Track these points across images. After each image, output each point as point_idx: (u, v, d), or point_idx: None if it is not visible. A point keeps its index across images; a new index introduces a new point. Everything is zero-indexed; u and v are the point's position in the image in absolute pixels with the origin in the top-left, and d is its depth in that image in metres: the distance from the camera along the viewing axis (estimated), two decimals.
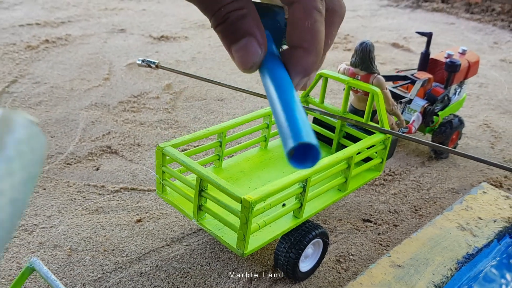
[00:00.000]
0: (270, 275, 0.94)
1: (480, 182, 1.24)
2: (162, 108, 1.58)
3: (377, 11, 2.85)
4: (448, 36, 2.45)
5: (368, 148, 1.01)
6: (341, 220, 1.12)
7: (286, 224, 0.87)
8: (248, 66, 0.25)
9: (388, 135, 1.02)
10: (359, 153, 0.98)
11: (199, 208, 0.84)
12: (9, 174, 0.15)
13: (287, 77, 0.24)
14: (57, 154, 1.30)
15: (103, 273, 0.91)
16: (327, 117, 1.12)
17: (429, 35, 1.34)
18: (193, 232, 1.04)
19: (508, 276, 0.97)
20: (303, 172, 0.83)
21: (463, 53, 1.41)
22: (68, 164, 1.26)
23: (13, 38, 1.99)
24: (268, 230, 0.84)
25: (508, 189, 1.27)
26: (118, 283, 0.88)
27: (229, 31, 0.24)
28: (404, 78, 1.31)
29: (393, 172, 1.31)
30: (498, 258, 0.97)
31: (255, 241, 0.81)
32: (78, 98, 1.59)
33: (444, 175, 1.32)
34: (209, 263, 0.95)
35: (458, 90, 1.42)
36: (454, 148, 1.40)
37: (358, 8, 2.94)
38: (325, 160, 0.89)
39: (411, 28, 2.56)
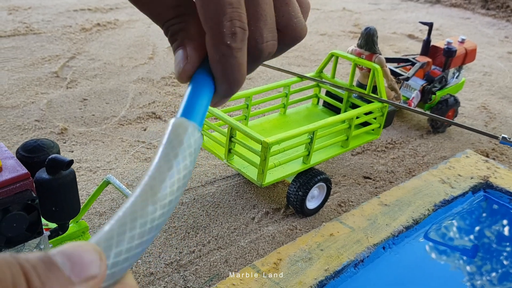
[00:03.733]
0: (282, 210, 1.18)
1: None
2: None
3: (398, 5, 3.04)
4: (462, 30, 2.63)
5: (367, 114, 1.24)
6: (345, 176, 1.35)
7: (296, 167, 1.10)
8: (176, 76, 0.26)
9: (385, 104, 1.24)
10: (359, 117, 1.21)
11: (229, 151, 1.08)
12: (184, 168, 0.21)
13: (207, 90, 0.25)
14: (112, 117, 1.56)
15: None
16: (336, 89, 1.35)
17: (430, 25, 1.55)
18: (223, 178, 1.28)
19: (476, 220, 1.18)
20: (311, 126, 1.07)
21: (462, 41, 1.61)
22: (121, 125, 1.52)
23: (69, 21, 2.28)
24: (281, 169, 1.08)
25: (493, 159, 1.47)
26: None
27: (171, 42, 0.26)
28: (406, 60, 1.53)
29: (394, 142, 1.53)
30: (471, 206, 1.18)
31: (271, 176, 1.05)
32: (127, 73, 1.85)
33: (439, 145, 1.53)
34: (234, 199, 1.20)
35: (457, 74, 1.62)
36: (450, 125, 1.60)
37: (381, 1, 3.13)
38: (329, 119, 1.12)
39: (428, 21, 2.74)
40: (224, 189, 1.24)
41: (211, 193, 1.21)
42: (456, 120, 1.65)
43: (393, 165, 1.41)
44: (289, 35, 0.26)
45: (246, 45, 0.24)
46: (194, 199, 1.18)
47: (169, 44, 1.84)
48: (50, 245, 0.79)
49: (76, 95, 1.66)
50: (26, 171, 0.71)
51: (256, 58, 0.25)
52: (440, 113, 1.54)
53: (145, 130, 1.51)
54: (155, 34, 2.23)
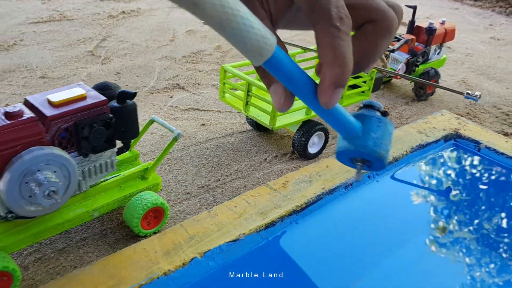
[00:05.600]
0: (289, 155, 1.45)
1: None
2: (214, 62, 2.10)
3: None
4: (450, 19, 2.89)
5: (357, 78, 1.51)
6: None
7: (300, 116, 1.37)
8: (278, 108, 0.28)
9: (373, 69, 1.51)
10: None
11: (247, 103, 1.35)
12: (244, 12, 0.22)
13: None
14: (142, 87, 1.83)
15: (183, 146, 1.44)
16: None
17: (414, 8, 1.81)
18: (239, 132, 1.55)
19: (448, 163, 1.45)
20: None
21: (442, 23, 1.87)
22: (151, 93, 1.80)
23: (97, 9, 2.55)
24: (288, 117, 1.35)
25: None
26: (194, 151, 1.41)
27: (263, 76, 0.27)
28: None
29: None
30: (442, 150, 1.45)
31: (280, 122, 1.32)
32: (152, 52, 2.12)
33: (421, 110, 1.80)
34: (250, 146, 1.47)
35: (438, 51, 1.89)
36: (432, 94, 1.87)
37: None
38: None
39: (419, 10, 3.00)
40: (241, 139, 1.51)
41: (230, 142, 1.49)
42: (437, 91, 1.91)
43: None
44: (380, 22, 0.29)
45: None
46: (217, 145, 1.46)
47: (187, 28, 2.18)
48: (117, 160, 1.06)
49: (111, 69, 1.93)
50: (105, 98, 0.98)
51: (378, 33, 0.28)
52: (422, 83, 1.80)
53: (171, 97, 1.78)
54: (174, 21, 2.50)
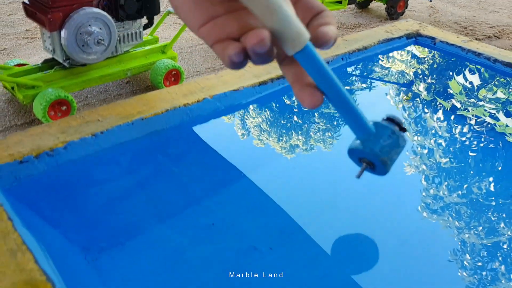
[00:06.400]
0: None
1: None
2: None
3: None
4: None
5: None
6: None
7: None
8: (311, 105, 0.27)
9: None
10: None
11: None
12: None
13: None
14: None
15: (192, 44, 1.74)
16: None
17: None
18: None
19: (409, 54, 1.76)
20: None
21: None
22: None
23: None
24: None
25: None
26: (201, 48, 1.71)
27: (289, 73, 0.28)
28: None
29: (360, 24, 2.10)
30: (404, 44, 1.76)
31: None
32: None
33: None
34: None
35: None
36: (402, 14, 2.17)
37: None
38: None
39: None
40: None
41: None
42: (406, 12, 2.22)
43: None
44: None
45: None
46: None
47: None
48: (143, 33, 1.36)
49: None
50: None
51: None
52: (393, 3, 2.10)
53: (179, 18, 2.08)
54: None
